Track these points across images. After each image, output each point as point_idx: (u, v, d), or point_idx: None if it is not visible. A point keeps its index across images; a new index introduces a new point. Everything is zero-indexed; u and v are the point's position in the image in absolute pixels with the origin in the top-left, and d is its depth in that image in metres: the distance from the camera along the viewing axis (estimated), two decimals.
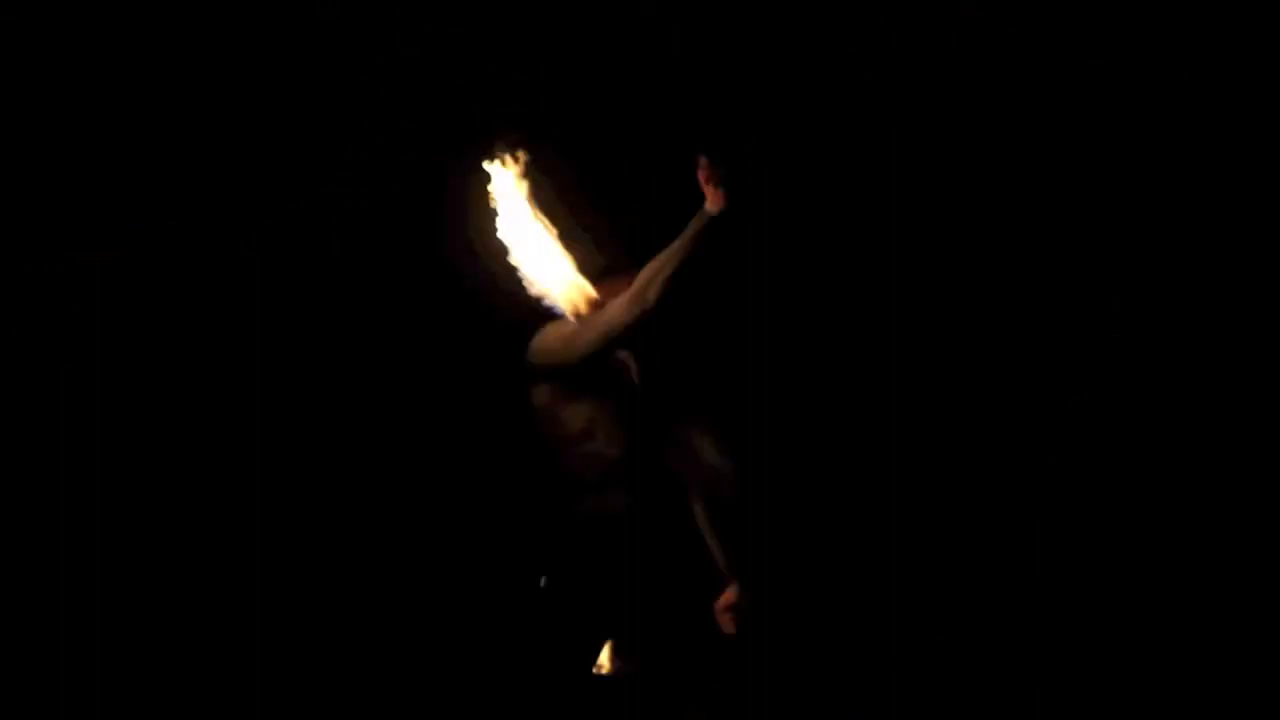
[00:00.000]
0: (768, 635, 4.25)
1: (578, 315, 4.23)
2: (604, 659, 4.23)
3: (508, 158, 4.19)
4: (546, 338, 4.24)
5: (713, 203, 4.06)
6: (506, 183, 4.20)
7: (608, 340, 4.15)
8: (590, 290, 4.24)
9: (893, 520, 5.25)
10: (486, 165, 4.20)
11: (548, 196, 4.25)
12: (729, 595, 4.23)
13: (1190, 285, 5.23)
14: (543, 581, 4.24)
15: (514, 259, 4.21)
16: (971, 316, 5.25)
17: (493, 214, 4.20)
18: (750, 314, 5.01)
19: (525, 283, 4.22)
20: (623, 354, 4.21)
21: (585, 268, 4.26)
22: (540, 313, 4.24)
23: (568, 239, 4.25)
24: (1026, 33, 5.26)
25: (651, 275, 4.07)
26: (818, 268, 5.25)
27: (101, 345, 5.03)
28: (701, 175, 4.07)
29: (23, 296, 5.01)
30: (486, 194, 4.20)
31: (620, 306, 4.13)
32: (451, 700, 4.78)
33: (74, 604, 4.93)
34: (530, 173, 4.21)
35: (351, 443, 5.11)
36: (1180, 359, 5.22)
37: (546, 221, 4.23)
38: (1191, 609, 5.09)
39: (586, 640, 4.21)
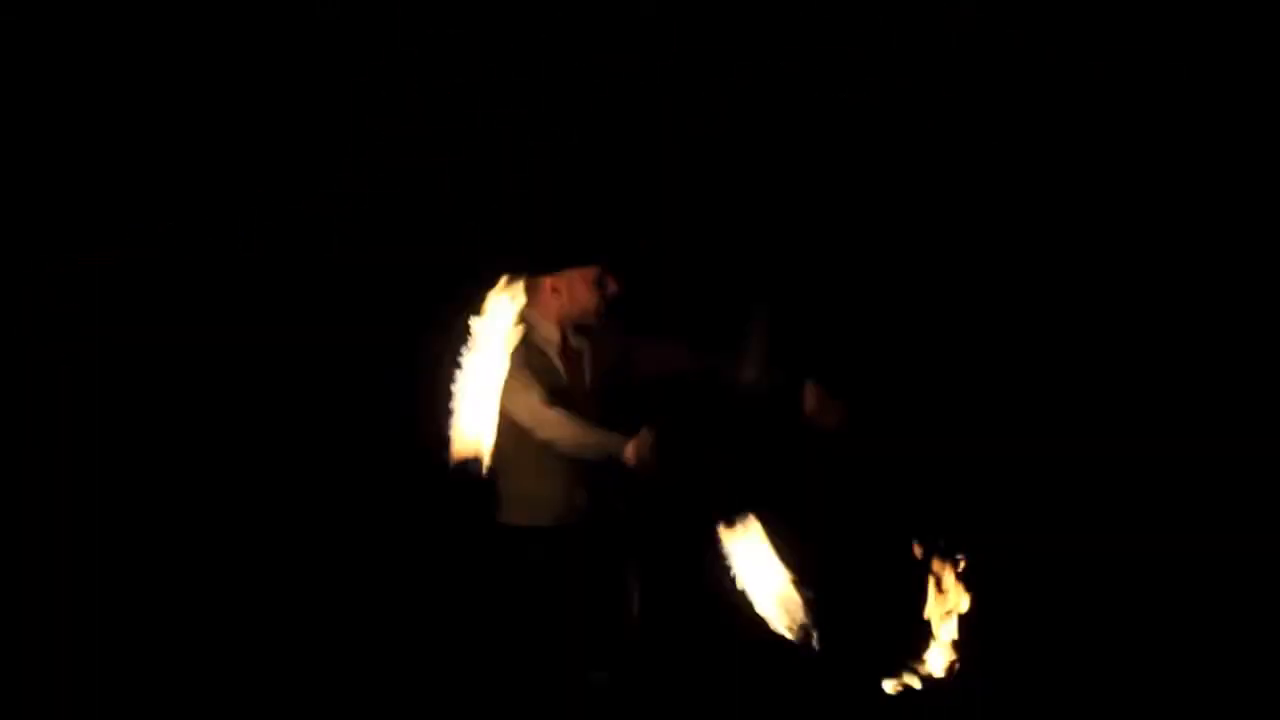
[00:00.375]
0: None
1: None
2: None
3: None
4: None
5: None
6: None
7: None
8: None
9: (892, 521, 5.26)
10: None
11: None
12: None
13: (1189, 284, 5.23)
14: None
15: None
16: (971, 316, 5.25)
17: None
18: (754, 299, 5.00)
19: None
20: None
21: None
22: None
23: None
24: (1026, 33, 5.26)
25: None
26: (817, 267, 5.26)
27: (101, 345, 5.03)
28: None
29: (23, 296, 5.01)
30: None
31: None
32: (449, 700, 4.79)
33: (74, 603, 4.93)
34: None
35: (350, 442, 5.11)
36: (1179, 359, 5.22)
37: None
38: (1191, 609, 5.10)
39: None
